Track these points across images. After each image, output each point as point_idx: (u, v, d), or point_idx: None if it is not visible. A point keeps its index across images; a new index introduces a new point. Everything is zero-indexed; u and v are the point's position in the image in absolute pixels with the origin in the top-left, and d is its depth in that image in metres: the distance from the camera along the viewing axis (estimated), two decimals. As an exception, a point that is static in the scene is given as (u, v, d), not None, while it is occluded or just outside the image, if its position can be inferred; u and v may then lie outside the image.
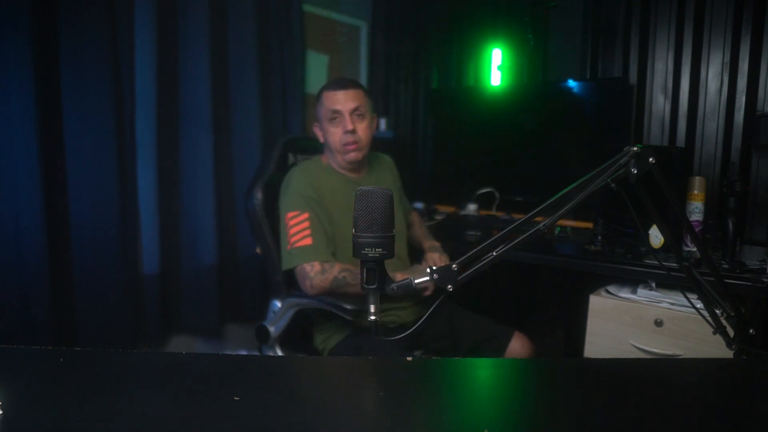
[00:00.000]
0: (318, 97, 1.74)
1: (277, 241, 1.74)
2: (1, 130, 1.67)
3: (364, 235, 0.78)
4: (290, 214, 1.65)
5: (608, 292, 1.75)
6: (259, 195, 1.75)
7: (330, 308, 1.62)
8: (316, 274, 1.60)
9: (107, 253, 1.89)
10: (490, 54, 2.70)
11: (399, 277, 1.47)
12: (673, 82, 2.17)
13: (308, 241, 1.62)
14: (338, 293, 1.61)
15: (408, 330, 0.88)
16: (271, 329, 1.75)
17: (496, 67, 2.68)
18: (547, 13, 2.51)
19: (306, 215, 1.64)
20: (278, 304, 1.77)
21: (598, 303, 1.72)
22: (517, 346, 1.81)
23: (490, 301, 2.67)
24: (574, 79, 2.35)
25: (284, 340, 1.78)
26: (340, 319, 1.64)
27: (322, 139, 1.76)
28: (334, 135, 1.70)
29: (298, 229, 1.63)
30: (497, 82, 2.68)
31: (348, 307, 1.59)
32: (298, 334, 1.80)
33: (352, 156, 1.72)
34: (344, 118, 1.68)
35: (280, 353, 1.77)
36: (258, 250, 1.83)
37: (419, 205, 2.68)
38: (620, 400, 0.77)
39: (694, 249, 1.65)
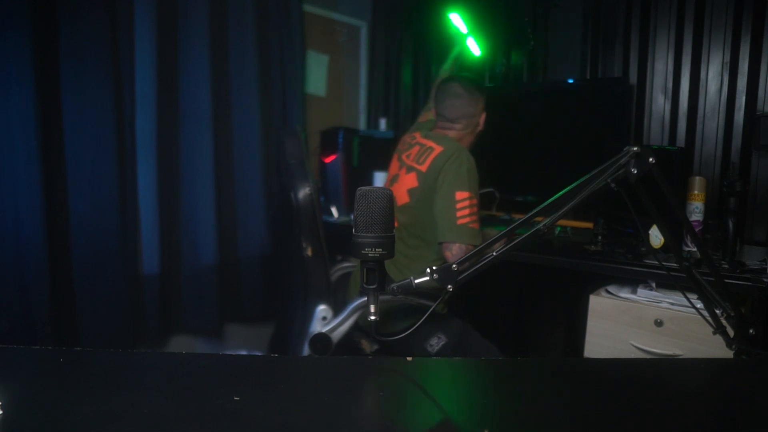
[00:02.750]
0: (482, 92, 1.97)
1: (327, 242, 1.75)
2: (1, 130, 1.67)
3: (364, 235, 0.78)
4: (468, 194, 1.76)
5: (608, 292, 1.75)
6: (311, 188, 1.67)
7: (419, 300, 1.65)
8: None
9: (107, 253, 1.88)
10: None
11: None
12: (673, 82, 2.17)
13: (477, 225, 1.76)
14: None
15: (408, 330, 0.89)
16: (333, 335, 1.67)
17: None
18: (547, 13, 2.51)
19: (476, 200, 1.78)
20: (325, 307, 1.71)
21: (598, 303, 1.71)
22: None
23: (490, 301, 2.66)
24: (574, 79, 2.35)
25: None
26: (400, 309, 1.75)
27: (481, 127, 1.99)
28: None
29: (470, 211, 1.75)
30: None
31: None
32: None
33: None
34: None
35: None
36: (309, 252, 1.74)
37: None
38: (620, 400, 0.77)
39: (694, 249, 1.65)
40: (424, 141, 1.91)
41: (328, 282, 1.74)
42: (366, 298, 1.70)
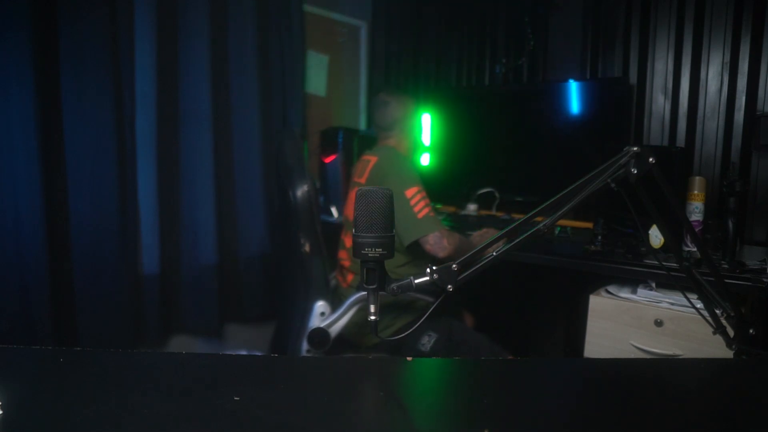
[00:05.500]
0: (409, 97, 2.06)
1: (324, 238, 1.80)
2: (1, 130, 1.67)
3: (364, 235, 0.78)
4: (416, 188, 1.81)
5: (608, 292, 1.75)
6: (308, 186, 1.73)
7: (417, 295, 1.72)
8: (447, 236, 1.80)
9: (107, 253, 1.88)
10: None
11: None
12: (673, 82, 2.17)
13: (433, 212, 1.82)
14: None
15: (408, 330, 0.89)
16: (331, 330, 1.71)
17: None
18: (547, 13, 2.51)
19: (424, 191, 1.84)
20: (323, 303, 1.74)
21: (598, 303, 1.71)
22: (469, 324, 2.12)
23: (490, 301, 2.66)
24: (574, 79, 2.35)
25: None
26: (399, 305, 1.81)
27: (416, 130, 2.07)
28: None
29: (425, 203, 1.81)
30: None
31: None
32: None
33: None
34: None
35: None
36: (306, 248, 1.79)
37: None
38: (620, 401, 0.77)
39: (694, 249, 1.65)
40: (365, 157, 2.02)
41: (326, 278, 1.76)
42: (363, 293, 1.73)
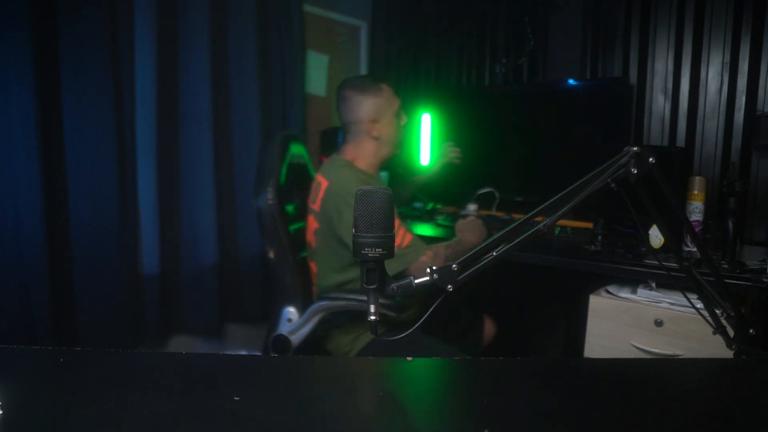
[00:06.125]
0: (378, 91, 1.75)
1: (292, 245, 1.72)
2: (1, 130, 1.67)
3: (364, 235, 0.78)
4: None
5: (608, 292, 1.75)
6: (271, 194, 1.68)
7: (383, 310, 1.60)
8: (434, 257, 1.65)
9: (107, 253, 1.89)
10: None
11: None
12: (673, 82, 2.18)
13: (410, 237, 1.67)
14: None
15: (408, 330, 0.89)
16: (292, 338, 1.67)
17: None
18: (547, 13, 2.52)
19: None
20: (292, 310, 1.71)
21: (598, 303, 1.71)
22: (490, 329, 2.12)
23: (490, 301, 2.66)
24: (574, 79, 2.35)
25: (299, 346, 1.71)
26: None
27: (379, 134, 1.75)
28: (399, 130, 1.81)
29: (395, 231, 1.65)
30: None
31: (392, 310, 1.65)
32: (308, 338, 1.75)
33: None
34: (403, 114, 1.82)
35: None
36: (271, 255, 1.74)
37: (419, 205, 2.68)
38: (620, 400, 0.77)
39: (694, 249, 1.65)
40: (318, 175, 1.81)
41: (294, 284, 1.72)
42: (325, 303, 1.68)
